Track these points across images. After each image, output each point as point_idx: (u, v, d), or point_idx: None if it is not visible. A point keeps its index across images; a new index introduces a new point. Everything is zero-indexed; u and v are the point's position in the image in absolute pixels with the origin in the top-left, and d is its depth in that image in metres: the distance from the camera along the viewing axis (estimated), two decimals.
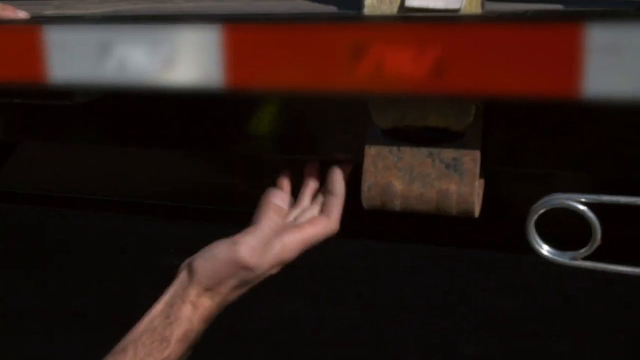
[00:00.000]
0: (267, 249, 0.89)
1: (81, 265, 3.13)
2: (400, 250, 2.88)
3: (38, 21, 0.86)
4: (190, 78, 0.76)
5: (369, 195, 0.88)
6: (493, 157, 0.87)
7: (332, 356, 2.54)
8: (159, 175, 1.29)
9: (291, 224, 0.94)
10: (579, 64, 0.64)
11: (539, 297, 2.77)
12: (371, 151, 0.88)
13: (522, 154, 0.87)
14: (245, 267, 0.88)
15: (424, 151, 0.86)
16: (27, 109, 1.04)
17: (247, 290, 0.91)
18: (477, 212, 0.86)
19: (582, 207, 0.82)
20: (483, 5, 0.77)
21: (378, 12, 0.79)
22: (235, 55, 0.74)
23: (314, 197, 0.98)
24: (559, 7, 0.80)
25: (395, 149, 0.87)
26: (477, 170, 0.84)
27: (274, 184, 0.98)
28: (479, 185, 0.86)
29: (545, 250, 0.85)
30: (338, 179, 0.94)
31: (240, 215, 1.02)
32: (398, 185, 0.86)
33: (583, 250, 0.83)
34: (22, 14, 0.88)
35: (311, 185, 0.97)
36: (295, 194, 0.97)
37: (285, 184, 0.98)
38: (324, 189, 0.97)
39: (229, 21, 0.75)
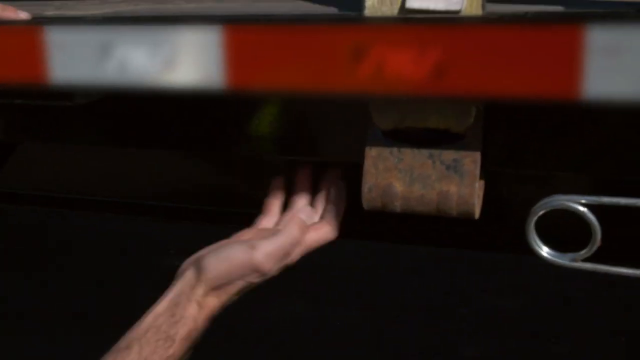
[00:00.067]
0: (282, 258, 0.91)
1: (81, 266, 3.13)
2: (401, 251, 2.88)
3: (39, 22, 0.86)
4: (190, 79, 0.76)
5: (370, 196, 0.88)
6: (493, 158, 0.87)
7: (332, 356, 2.54)
8: (159, 176, 1.29)
9: None
10: (579, 65, 0.64)
11: (539, 298, 2.77)
12: (371, 152, 0.88)
13: (522, 155, 0.87)
14: (258, 271, 0.90)
15: (425, 152, 0.86)
16: (28, 109, 1.04)
17: (249, 290, 0.92)
18: (477, 213, 0.86)
19: (581, 209, 0.82)
20: (483, 7, 0.77)
21: (378, 13, 0.79)
22: (236, 56, 0.74)
23: (312, 201, 0.99)
24: (559, 8, 0.80)
25: (395, 150, 0.87)
26: (477, 172, 0.84)
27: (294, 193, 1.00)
28: (479, 187, 0.86)
29: (544, 251, 0.85)
30: (334, 186, 0.96)
31: (240, 216, 1.02)
32: (398, 187, 0.86)
33: (583, 252, 0.83)
34: (23, 15, 0.88)
35: (306, 189, 0.99)
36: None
37: (306, 195, 1.00)
38: (320, 193, 0.98)
39: (230, 22, 0.75)
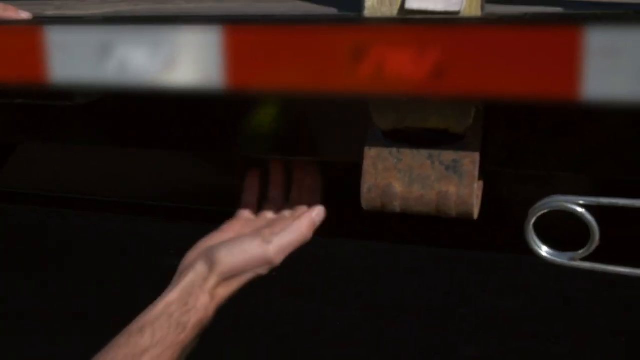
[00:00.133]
0: (291, 252, 0.96)
1: (81, 266, 3.12)
2: (400, 251, 2.88)
3: (39, 22, 0.86)
4: (190, 79, 0.76)
5: (369, 196, 0.88)
6: (492, 158, 0.87)
7: (332, 356, 2.54)
8: (159, 176, 1.29)
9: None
10: (578, 66, 0.64)
11: (539, 298, 2.77)
12: (371, 152, 0.88)
13: (522, 155, 0.88)
14: (269, 264, 0.94)
15: (424, 153, 0.86)
16: (28, 109, 1.04)
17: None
18: (475, 214, 0.86)
19: (580, 210, 0.82)
20: (482, 8, 0.77)
21: (378, 14, 0.79)
22: (236, 56, 0.74)
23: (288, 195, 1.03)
24: (558, 9, 0.80)
25: (395, 150, 0.87)
26: (476, 172, 0.84)
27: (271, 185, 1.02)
28: (478, 187, 0.86)
29: (543, 250, 0.86)
30: (306, 188, 1.01)
31: None
32: (398, 187, 0.87)
33: (581, 251, 0.83)
34: (25, 15, 0.89)
35: (281, 185, 1.03)
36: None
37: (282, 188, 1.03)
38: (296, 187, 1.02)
39: (230, 22, 0.75)
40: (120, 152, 1.23)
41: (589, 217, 0.82)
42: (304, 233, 0.96)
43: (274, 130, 0.96)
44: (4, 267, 3.12)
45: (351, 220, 1.16)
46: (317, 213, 0.98)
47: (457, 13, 0.76)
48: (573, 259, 0.84)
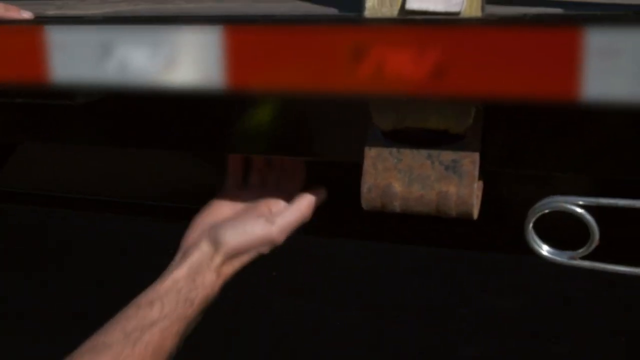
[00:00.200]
0: (292, 231, 0.99)
1: (81, 266, 3.12)
2: (401, 251, 2.88)
3: (39, 21, 0.86)
4: (190, 79, 0.76)
5: (369, 196, 0.88)
6: (492, 158, 0.87)
7: (332, 356, 2.54)
8: (159, 176, 1.29)
9: None
10: (578, 67, 0.64)
11: (539, 298, 2.77)
12: (371, 152, 0.88)
13: (521, 155, 0.88)
14: (273, 244, 0.98)
15: (424, 153, 0.86)
16: (29, 109, 1.04)
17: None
18: (475, 214, 0.86)
19: (579, 210, 0.82)
20: (483, 8, 0.77)
21: (378, 14, 0.79)
22: (236, 56, 0.74)
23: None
24: (558, 10, 0.80)
25: (395, 150, 0.87)
26: (476, 172, 0.85)
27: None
28: (477, 187, 0.86)
29: (544, 250, 0.86)
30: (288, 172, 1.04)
31: None
32: (397, 187, 0.87)
33: (581, 250, 0.83)
34: (26, 14, 0.89)
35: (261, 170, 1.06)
36: None
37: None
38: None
39: (230, 22, 0.75)
40: (120, 152, 1.23)
41: (588, 217, 0.82)
42: (305, 213, 0.99)
43: (274, 130, 0.96)
44: (4, 267, 3.12)
45: (351, 220, 1.16)
46: (317, 193, 1.01)
47: (457, 14, 0.76)
48: (573, 258, 0.84)
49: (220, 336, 2.56)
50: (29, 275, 3.08)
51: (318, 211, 1.02)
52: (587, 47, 0.63)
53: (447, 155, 0.85)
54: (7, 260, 3.14)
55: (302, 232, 1.29)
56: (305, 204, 1.00)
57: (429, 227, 1.05)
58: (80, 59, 0.78)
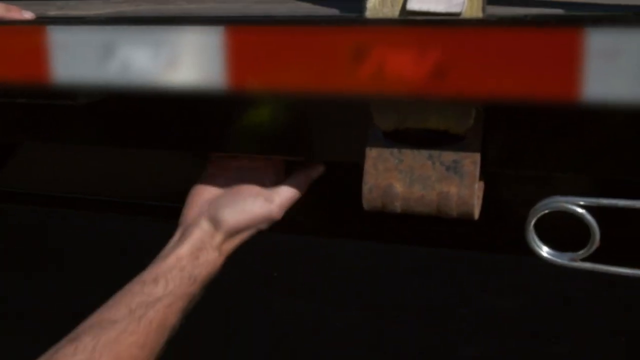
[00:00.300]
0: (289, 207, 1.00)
1: (81, 266, 3.12)
2: (401, 251, 2.88)
3: (41, 22, 0.86)
4: (192, 79, 0.77)
5: (370, 196, 0.88)
6: (493, 159, 0.87)
7: (332, 356, 2.54)
8: (160, 176, 1.29)
9: None
10: (578, 68, 0.64)
11: (539, 298, 2.77)
12: (372, 153, 0.88)
13: (522, 156, 0.88)
14: (272, 221, 0.99)
15: (425, 153, 0.86)
16: (31, 109, 1.04)
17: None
18: (476, 214, 0.86)
19: (580, 210, 0.82)
20: (484, 9, 0.77)
21: (379, 15, 0.79)
22: (237, 57, 0.74)
23: None
24: (558, 11, 0.80)
25: (395, 150, 0.87)
26: (477, 173, 0.85)
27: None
28: (478, 187, 0.86)
29: (544, 251, 0.86)
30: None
31: None
32: (398, 187, 0.87)
33: (581, 252, 0.83)
34: (28, 15, 0.89)
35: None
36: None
37: None
38: None
39: (231, 23, 0.75)
40: (121, 152, 1.23)
41: (589, 217, 0.82)
42: (302, 189, 1.01)
43: (275, 130, 0.97)
44: (4, 267, 3.12)
45: (352, 221, 1.16)
46: (314, 167, 1.02)
47: (458, 14, 0.76)
48: (573, 260, 0.84)
49: (220, 336, 2.57)
50: (29, 275, 3.08)
51: (318, 211, 1.02)
52: (587, 48, 0.63)
53: (448, 156, 0.85)
54: (7, 260, 3.14)
55: (302, 233, 1.30)
56: (302, 178, 1.01)
57: (430, 228, 1.05)
58: (82, 59, 0.78)
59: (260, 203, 0.98)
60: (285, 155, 1.00)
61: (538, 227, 0.85)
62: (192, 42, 0.76)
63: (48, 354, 0.88)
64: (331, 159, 0.99)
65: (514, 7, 0.83)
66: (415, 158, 0.86)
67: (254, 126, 0.96)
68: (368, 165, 0.88)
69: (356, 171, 0.91)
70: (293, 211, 1.01)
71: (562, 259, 0.85)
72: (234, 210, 0.98)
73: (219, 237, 0.97)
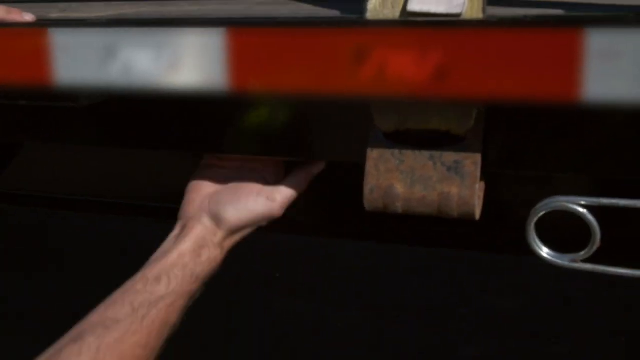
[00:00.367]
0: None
1: (81, 266, 3.12)
2: (401, 251, 2.88)
3: (43, 24, 0.86)
4: (193, 81, 0.77)
5: (371, 197, 0.88)
6: (494, 160, 0.87)
7: (332, 356, 2.54)
8: (161, 177, 1.29)
9: None
10: (578, 68, 0.64)
11: (539, 298, 2.76)
12: (373, 154, 0.88)
13: (523, 156, 0.88)
14: (272, 219, 1.00)
15: (426, 154, 0.86)
16: (32, 110, 1.05)
17: None
18: (477, 215, 0.86)
19: (581, 210, 0.82)
20: (484, 10, 0.77)
21: (380, 16, 0.79)
22: (239, 58, 0.75)
23: None
24: (559, 11, 0.80)
25: (397, 151, 0.87)
26: (478, 173, 0.85)
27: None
28: (479, 188, 0.86)
29: (544, 252, 0.86)
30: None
31: None
32: (400, 188, 0.87)
33: (582, 253, 0.83)
34: (28, 17, 0.89)
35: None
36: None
37: None
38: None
39: (233, 24, 0.75)
40: (121, 154, 1.23)
41: (590, 217, 0.82)
42: (302, 186, 1.01)
43: (276, 131, 0.97)
44: (4, 267, 3.11)
45: (352, 221, 1.16)
46: (314, 164, 1.02)
47: (458, 15, 0.76)
48: (574, 261, 0.84)
49: (220, 336, 2.57)
50: (29, 275, 3.08)
51: (319, 212, 1.02)
52: (587, 49, 0.64)
53: (449, 157, 0.85)
54: (7, 260, 3.14)
55: (303, 233, 1.30)
56: (303, 176, 1.01)
57: (431, 228, 1.05)
58: (83, 61, 0.78)
59: (262, 201, 0.98)
60: (286, 157, 1.01)
61: (539, 228, 0.85)
62: (194, 44, 0.76)
63: (49, 353, 0.88)
64: (332, 160, 0.99)
65: (514, 8, 0.83)
66: (417, 159, 0.86)
67: (256, 128, 0.96)
68: (369, 166, 0.88)
69: (356, 171, 0.91)
70: (293, 211, 1.02)
71: (563, 260, 0.85)
72: (237, 208, 0.98)
73: (220, 235, 0.97)
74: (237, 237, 0.99)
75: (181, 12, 0.98)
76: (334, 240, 2.69)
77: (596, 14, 0.78)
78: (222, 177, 1.01)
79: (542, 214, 0.84)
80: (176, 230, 0.99)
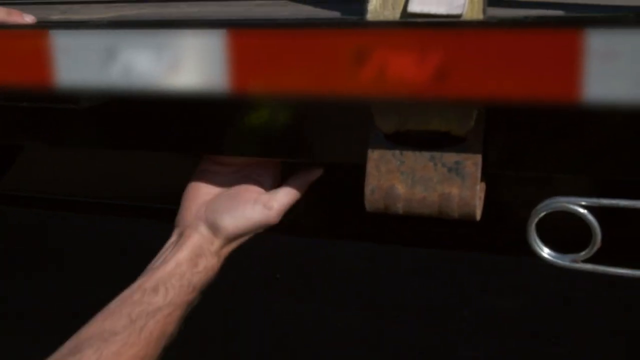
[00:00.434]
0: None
1: (81, 267, 3.12)
2: (401, 252, 2.88)
3: (44, 26, 0.86)
4: (194, 82, 0.77)
5: (372, 198, 0.88)
6: (494, 160, 0.87)
7: (332, 356, 2.54)
8: (162, 178, 1.29)
9: None
10: (578, 69, 0.64)
11: (539, 299, 2.77)
12: (374, 155, 0.88)
13: (523, 157, 0.88)
14: (269, 226, 0.99)
15: (426, 155, 0.86)
16: (33, 112, 1.05)
17: None
18: (478, 215, 0.86)
19: (582, 210, 0.82)
20: (484, 11, 0.77)
21: (381, 17, 0.79)
22: (239, 60, 0.75)
23: None
24: (559, 12, 0.80)
25: (397, 152, 0.87)
26: (479, 174, 0.85)
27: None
28: (480, 189, 0.86)
29: (545, 252, 0.86)
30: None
31: None
32: (400, 189, 0.87)
33: (583, 253, 0.83)
34: (29, 19, 0.89)
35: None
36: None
37: None
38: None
39: (233, 26, 0.75)
40: (123, 155, 1.23)
41: (590, 218, 0.82)
42: (300, 193, 1.00)
43: (277, 132, 0.97)
44: (4, 267, 3.11)
45: (353, 222, 1.16)
46: (311, 171, 1.01)
47: (459, 16, 0.76)
48: (575, 261, 0.84)
49: (221, 336, 2.57)
50: (29, 275, 3.08)
51: (319, 213, 1.02)
52: (587, 49, 0.64)
53: (450, 157, 0.85)
54: (7, 260, 3.14)
55: (303, 234, 1.30)
56: (300, 182, 1.00)
57: (431, 229, 1.05)
58: (84, 63, 0.78)
59: (259, 209, 0.98)
60: (287, 158, 1.01)
61: (539, 228, 0.85)
62: (194, 46, 0.76)
63: None
64: (333, 161, 0.99)
65: (515, 9, 0.83)
66: (417, 160, 0.86)
67: (256, 129, 0.97)
68: (370, 167, 0.88)
69: (356, 173, 0.91)
70: (294, 213, 1.02)
71: (564, 261, 0.85)
72: (233, 216, 0.97)
73: (217, 243, 0.97)
74: (234, 245, 0.99)
75: (181, 13, 0.98)
76: (334, 241, 2.69)
77: (596, 15, 0.78)
78: (219, 184, 1.01)
79: (542, 214, 0.84)
80: (173, 238, 0.98)
